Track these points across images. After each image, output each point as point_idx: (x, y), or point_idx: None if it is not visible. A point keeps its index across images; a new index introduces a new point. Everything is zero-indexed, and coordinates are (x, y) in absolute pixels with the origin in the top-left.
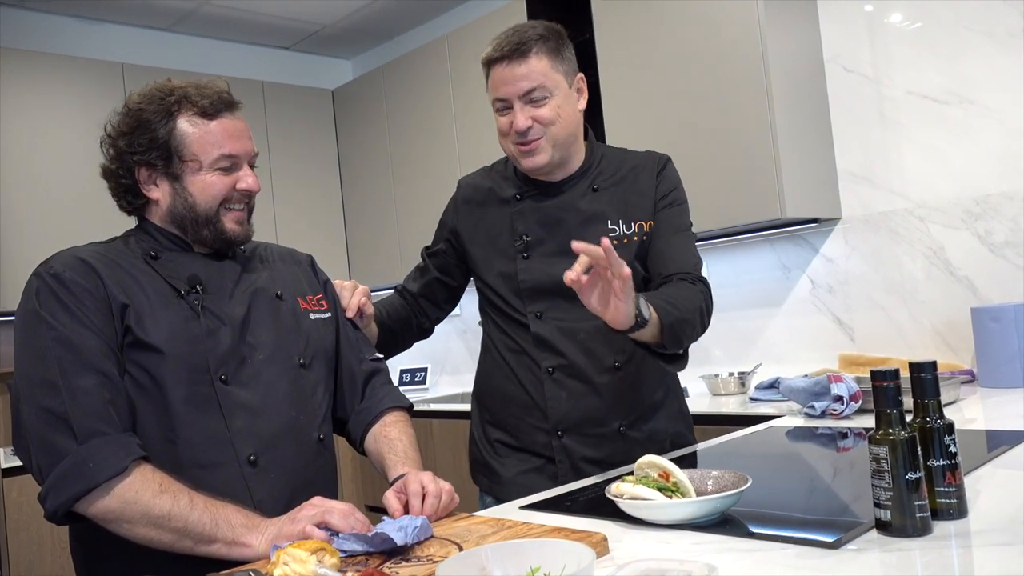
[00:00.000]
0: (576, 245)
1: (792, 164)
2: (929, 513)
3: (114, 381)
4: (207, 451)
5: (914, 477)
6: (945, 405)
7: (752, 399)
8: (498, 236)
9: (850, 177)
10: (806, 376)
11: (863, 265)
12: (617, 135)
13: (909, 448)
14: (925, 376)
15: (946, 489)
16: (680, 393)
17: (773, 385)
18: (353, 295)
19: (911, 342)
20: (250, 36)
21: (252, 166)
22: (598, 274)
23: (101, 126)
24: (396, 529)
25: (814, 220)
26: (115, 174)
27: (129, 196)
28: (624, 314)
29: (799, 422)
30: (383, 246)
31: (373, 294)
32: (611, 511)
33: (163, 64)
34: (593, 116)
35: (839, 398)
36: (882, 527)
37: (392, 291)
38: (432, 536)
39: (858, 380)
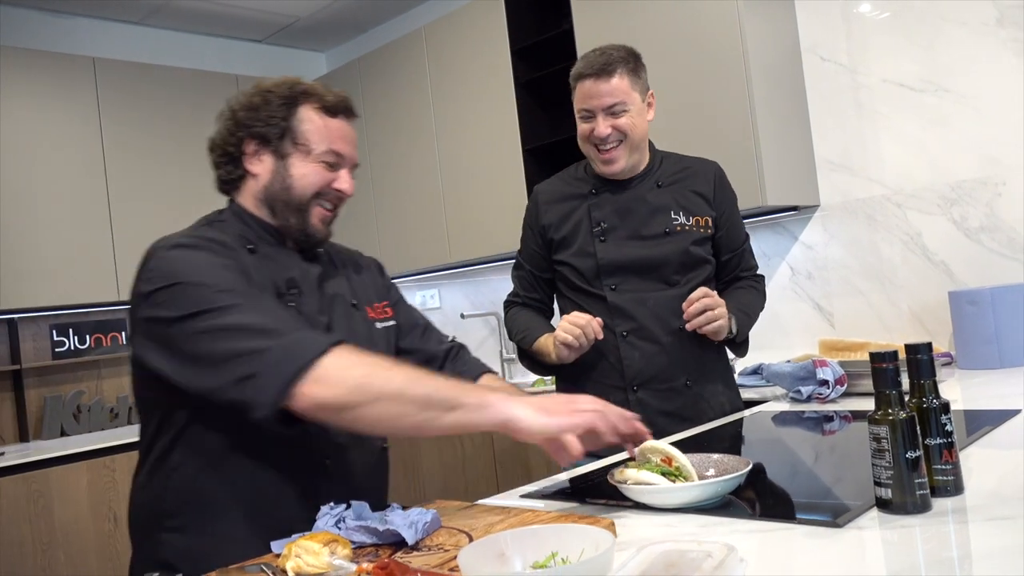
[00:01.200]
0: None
1: (772, 152)
2: (928, 490)
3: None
4: (287, 455)
5: (914, 456)
6: None
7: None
8: (579, 224)
9: (828, 165)
10: (788, 362)
11: (842, 251)
12: None
13: (909, 428)
14: (922, 357)
15: (943, 467)
16: (730, 367)
17: (756, 371)
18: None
19: (889, 326)
20: (222, 29)
21: (352, 176)
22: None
23: (73, 121)
24: (407, 526)
25: (793, 208)
26: (224, 142)
27: (230, 166)
28: (718, 336)
29: (785, 407)
30: (361, 241)
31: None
32: (614, 497)
33: (135, 58)
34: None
35: (824, 382)
36: (883, 505)
37: (513, 308)
38: (440, 526)
39: (842, 364)
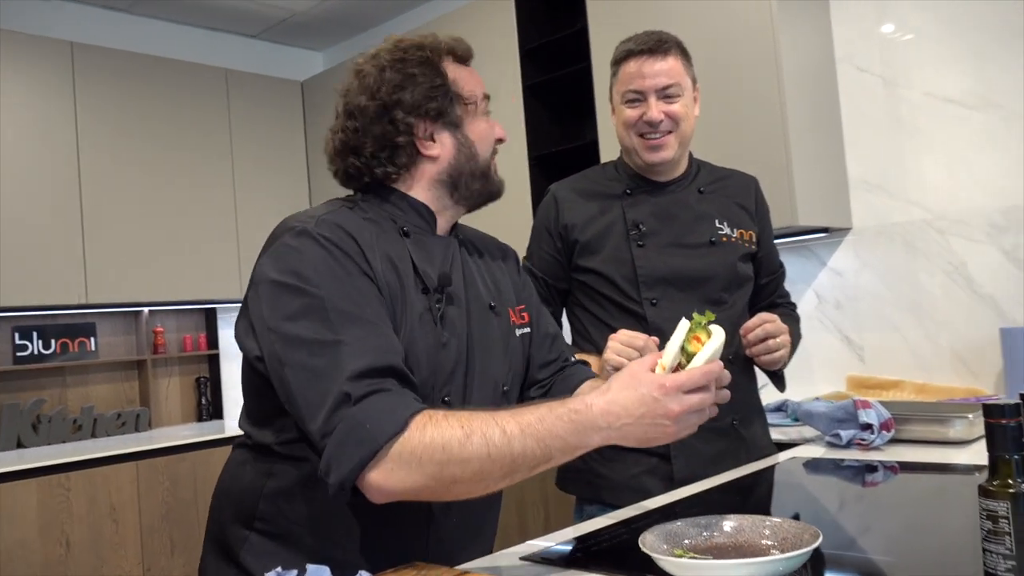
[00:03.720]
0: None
1: (804, 169)
2: None
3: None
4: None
5: None
6: (978, 439)
7: None
8: (610, 226)
9: (862, 185)
10: (818, 400)
11: (875, 280)
12: (612, 136)
13: None
14: None
15: None
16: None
17: (780, 408)
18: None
19: (927, 364)
20: (214, 21)
21: None
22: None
23: (47, 107)
24: None
25: (823, 230)
26: (387, 135)
27: (402, 158)
28: (774, 367)
29: (819, 452)
30: None
31: None
32: (643, 567)
33: (118, 45)
34: (586, 114)
35: (868, 426)
36: None
37: None
38: None
39: (886, 405)
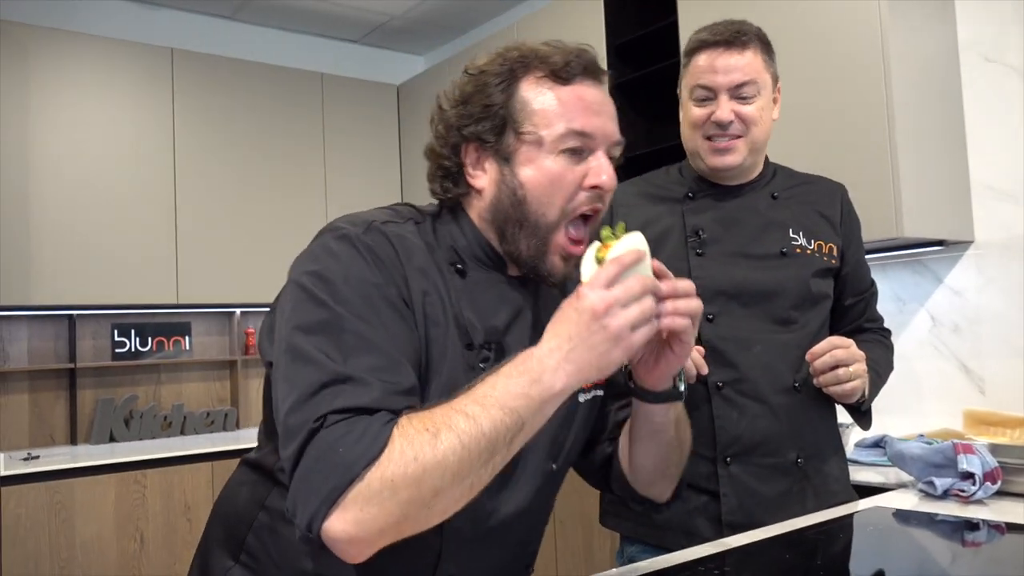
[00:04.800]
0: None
1: (913, 173)
2: None
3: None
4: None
5: None
6: None
7: (851, 460)
8: (668, 232)
9: (988, 191)
10: (922, 437)
11: (1001, 301)
12: None
13: None
14: None
15: None
16: (842, 441)
17: (878, 444)
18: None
19: None
20: (315, 27)
21: (612, 159)
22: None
23: (145, 113)
24: None
25: (939, 243)
26: (438, 154)
27: (448, 183)
28: (847, 400)
29: (911, 501)
30: None
31: None
32: None
33: (218, 51)
34: (677, 114)
35: (969, 475)
36: None
37: None
38: None
39: (995, 450)
